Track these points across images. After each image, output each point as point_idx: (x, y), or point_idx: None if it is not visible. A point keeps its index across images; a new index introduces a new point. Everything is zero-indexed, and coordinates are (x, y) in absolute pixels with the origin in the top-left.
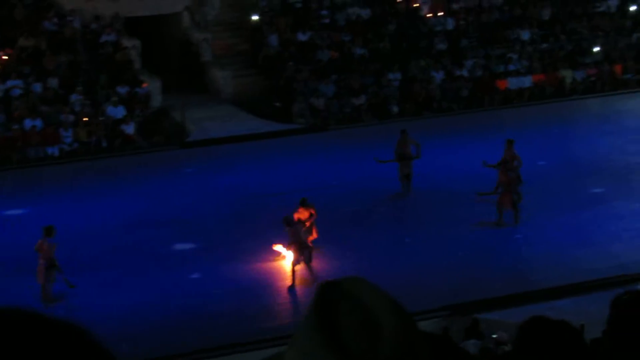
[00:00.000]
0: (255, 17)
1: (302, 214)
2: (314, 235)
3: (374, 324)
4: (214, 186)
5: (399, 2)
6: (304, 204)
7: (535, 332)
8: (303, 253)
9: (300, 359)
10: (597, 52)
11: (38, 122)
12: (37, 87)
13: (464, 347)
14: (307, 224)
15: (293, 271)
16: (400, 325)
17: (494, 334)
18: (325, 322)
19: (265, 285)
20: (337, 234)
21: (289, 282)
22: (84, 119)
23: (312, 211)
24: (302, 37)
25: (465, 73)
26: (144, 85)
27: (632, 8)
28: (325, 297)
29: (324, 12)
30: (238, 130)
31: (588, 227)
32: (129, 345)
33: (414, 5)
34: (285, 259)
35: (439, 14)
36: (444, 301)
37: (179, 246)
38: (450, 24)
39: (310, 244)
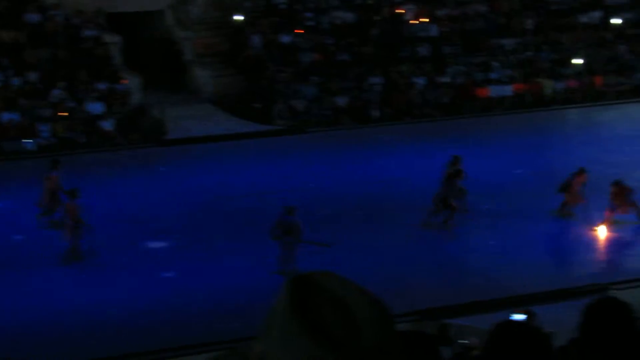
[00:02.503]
0: (238, 17)
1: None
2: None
3: (352, 314)
4: (190, 185)
5: (383, 7)
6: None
7: (505, 336)
8: None
9: (279, 347)
10: (578, 64)
11: (15, 115)
12: (17, 80)
13: None
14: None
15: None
16: (379, 316)
17: (464, 340)
18: (303, 312)
19: (234, 285)
20: (314, 236)
21: None
22: (62, 114)
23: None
24: (285, 39)
25: (446, 80)
26: (124, 81)
27: (614, 21)
28: (298, 289)
29: (309, 15)
30: (217, 129)
31: (562, 236)
32: (94, 341)
33: (398, 11)
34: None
35: (423, 20)
36: (413, 306)
37: (152, 244)
38: (434, 31)
39: None
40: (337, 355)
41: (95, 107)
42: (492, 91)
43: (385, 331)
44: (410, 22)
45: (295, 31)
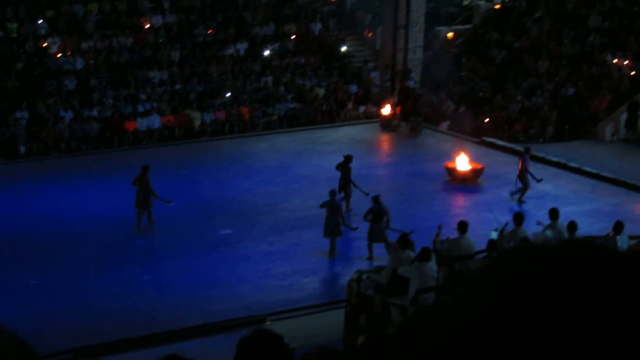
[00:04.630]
0: None
1: None
2: None
3: None
4: None
5: (27, 41)
6: None
7: None
8: None
9: None
10: (226, 95)
11: None
12: None
13: None
14: None
15: None
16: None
17: None
18: None
19: None
20: None
21: None
22: None
23: None
24: None
25: (94, 113)
26: None
27: (260, 52)
28: None
29: None
30: None
31: (216, 269)
32: None
33: (43, 44)
34: None
35: (68, 53)
36: (68, 344)
37: None
38: (80, 64)
39: None
40: None
41: None
42: (140, 124)
43: None
44: (56, 55)
45: None
